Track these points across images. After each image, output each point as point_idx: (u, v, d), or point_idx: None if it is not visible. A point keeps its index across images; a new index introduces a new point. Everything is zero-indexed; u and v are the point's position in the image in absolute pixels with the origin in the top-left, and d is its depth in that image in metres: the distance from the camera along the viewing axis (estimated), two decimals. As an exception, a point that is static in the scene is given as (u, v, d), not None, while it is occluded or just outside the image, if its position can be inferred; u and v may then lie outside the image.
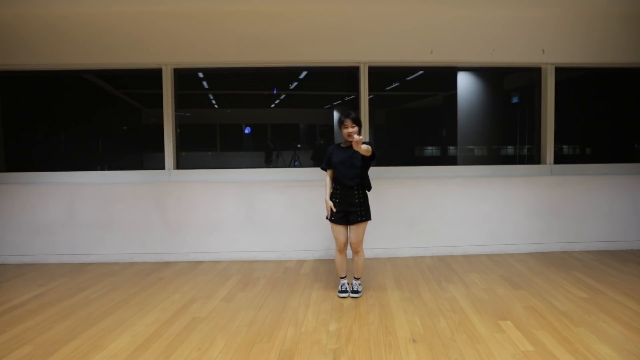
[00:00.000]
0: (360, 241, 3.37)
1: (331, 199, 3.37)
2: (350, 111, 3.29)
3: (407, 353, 2.48)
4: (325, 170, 3.46)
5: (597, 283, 3.61)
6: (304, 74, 5.07)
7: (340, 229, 3.36)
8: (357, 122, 3.28)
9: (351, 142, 3.22)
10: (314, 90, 5.49)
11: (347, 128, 3.25)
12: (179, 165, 4.81)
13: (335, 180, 3.38)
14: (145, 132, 5.31)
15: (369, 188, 3.38)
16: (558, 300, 3.23)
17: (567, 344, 2.54)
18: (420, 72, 5.15)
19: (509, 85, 5.56)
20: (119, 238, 4.56)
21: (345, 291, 3.45)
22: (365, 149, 3.12)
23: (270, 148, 5.39)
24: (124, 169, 4.82)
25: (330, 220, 3.38)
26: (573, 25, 4.69)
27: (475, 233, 4.65)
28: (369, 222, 3.39)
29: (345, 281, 3.51)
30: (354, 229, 3.34)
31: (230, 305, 3.26)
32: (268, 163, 5.34)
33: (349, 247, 3.45)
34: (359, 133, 3.27)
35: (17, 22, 4.53)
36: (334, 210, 3.32)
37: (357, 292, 3.44)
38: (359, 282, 3.50)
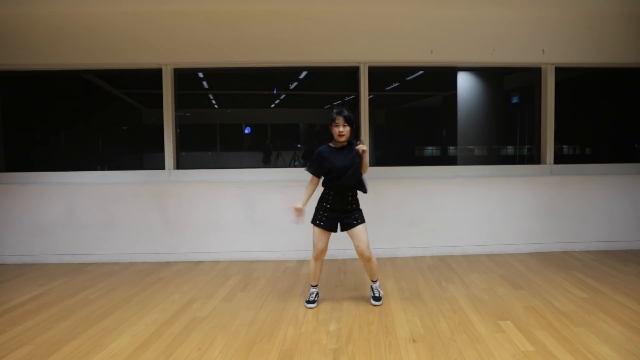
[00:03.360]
0: (368, 245, 3.06)
1: (321, 203, 3.10)
2: (344, 109, 2.95)
3: (407, 353, 2.48)
4: (314, 174, 3.11)
5: (597, 283, 3.61)
6: (304, 74, 5.07)
7: (324, 235, 3.08)
8: (350, 121, 2.94)
9: (343, 142, 3.01)
10: (314, 90, 5.49)
11: (338, 127, 2.94)
12: (179, 165, 4.81)
13: (329, 185, 3.06)
14: (145, 132, 5.31)
15: (366, 191, 3.11)
16: (558, 300, 3.23)
17: (567, 344, 2.54)
18: (420, 72, 5.15)
19: (509, 85, 5.56)
20: (119, 238, 4.56)
21: (314, 301, 3.19)
22: (366, 162, 3.06)
23: (270, 148, 5.37)
24: (124, 169, 4.82)
25: (317, 224, 3.08)
26: (573, 25, 4.69)
27: (475, 233, 4.64)
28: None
29: (316, 290, 3.24)
30: (355, 235, 3.06)
31: (230, 305, 3.26)
32: (267, 163, 5.32)
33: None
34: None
35: (17, 22, 4.53)
36: (299, 215, 3.02)
37: (378, 298, 3.19)
38: (377, 284, 3.24)
